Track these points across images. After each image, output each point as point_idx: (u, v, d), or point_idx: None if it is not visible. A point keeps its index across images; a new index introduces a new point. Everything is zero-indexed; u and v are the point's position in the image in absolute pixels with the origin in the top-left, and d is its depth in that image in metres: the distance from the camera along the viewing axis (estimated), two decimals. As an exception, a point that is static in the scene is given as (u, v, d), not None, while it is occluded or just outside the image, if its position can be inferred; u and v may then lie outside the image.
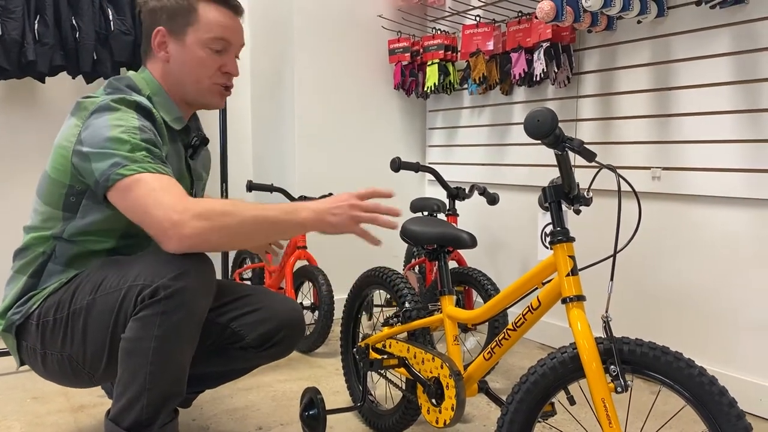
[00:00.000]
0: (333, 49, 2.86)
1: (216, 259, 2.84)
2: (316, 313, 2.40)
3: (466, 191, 2.34)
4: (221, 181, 2.72)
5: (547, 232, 1.21)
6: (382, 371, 1.60)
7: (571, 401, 1.16)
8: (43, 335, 1.31)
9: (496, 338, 1.33)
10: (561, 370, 1.14)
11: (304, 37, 2.79)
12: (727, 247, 1.94)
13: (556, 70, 2.31)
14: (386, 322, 1.66)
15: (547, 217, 1.21)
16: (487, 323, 2.04)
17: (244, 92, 3.13)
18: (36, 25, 2.20)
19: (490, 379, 2.14)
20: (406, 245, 2.90)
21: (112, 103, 1.26)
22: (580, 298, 1.15)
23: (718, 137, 1.93)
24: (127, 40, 2.35)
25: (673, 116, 2.05)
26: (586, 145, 1.12)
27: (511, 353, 2.43)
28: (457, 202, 2.38)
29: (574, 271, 1.16)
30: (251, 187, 2.55)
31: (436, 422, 1.43)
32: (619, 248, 1.13)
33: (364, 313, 1.91)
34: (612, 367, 1.08)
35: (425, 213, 2.55)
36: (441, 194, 2.93)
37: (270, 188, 2.55)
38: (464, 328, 2.27)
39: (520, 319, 1.28)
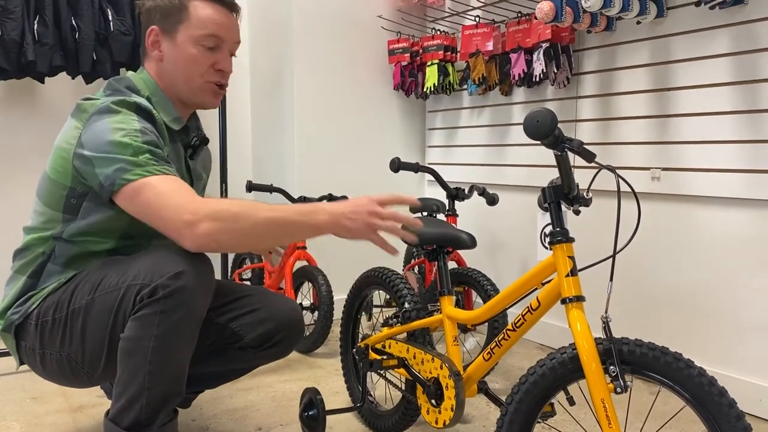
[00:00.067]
0: (332, 50, 2.86)
1: (215, 259, 2.84)
2: (316, 313, 2.40)
3: (466, 192, 2.34)
4: (221, 181, 2.72)
5: (547, 233, 1.21)
6: (382, 372, 1.60)
7: (571, 402, 1.16)
8: (42, 335, 1.31)
9: (496, 339, 1.33)
10: (560, 371, 1.13)
11: (304, 37, 2.79)
12: (726, 248, 1.94)
13: (555, 71, 2.31)
14: (386, 323, 1.66)
15: (547, 218, 1.21)
16: (486, 324, 2.04)
17: (243, 92, 3.13)
18: (35, 26, 2.20)
19: (490, 380, 2.14)
20: (405, 245, 2.91)
21: (112, 106, 1.26)
22: (579, 298, 1.15)
23: (717, 138, 1.93)
24: (127, 40, 2.35)
25: (672, 117, 2.05)
26: (585, 146, 1.12)
27: (511, 354, 2.43)
28: (456, 202, 2.38)
29: (573, 272, 1.16)
30: (251, 187, 2.55)
31: (436, 423, 1.43)
32: (618, 249, 1.13)
33: (363, 313, 1.91)
34: (611, 367, 1.07)
35: (425, 213, 2.55)
36: (440, 195, 2.93)
37: (270, 188, 2.55)
38: (464, 328, 2.27)
39: (520, 319, 1.28)
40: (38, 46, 2.20)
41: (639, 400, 1.95)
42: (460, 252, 2.49)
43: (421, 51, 2.86)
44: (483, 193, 2.31)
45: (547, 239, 1.20)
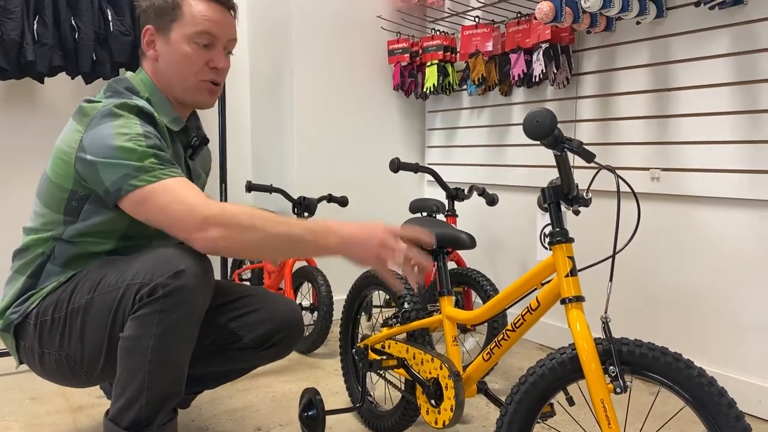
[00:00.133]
0: (332, 50, 2.86)
1: (215, 259, 2.84)
2: (315, 313, 2.40)
3: (466, 192, 2.34)
4: (220, 181, 2.72)
5: (546, 233, 1.21)
6: (381, 372, 1.60)
7: (570, 402, 1.16)
8: (41, 334, 1.31)
9: (495, 339, 1.33)
10: (560, 371, 1.13)
11: (304, 37, 2.79)
12: (726, 248, 1.94)
13: (555, 71, 2.31)
14: (385, 323, 1.66)
15: (546, 218, 1.21)
16: (486, 324, 2.04)
17: (243, 92, 3.13)
18: (35, 26, 2.20)
19: (489, 380, 2.14)
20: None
21: (114, 109, 1.26)
22: (579, 298, 1.15)
23: (717, 138, 1.93)
24: (126, 40, 2.35)
25: (672, 117, 2.05)
26: (585, 146, 1.12)
27: (510, 354, 2.43)
28: (456, 202, 2.38)
29: (573, 272, 1.16)
30: (250, 187, 2.55)
31: (435, 423, 1.42)
32: (618, 249, 1.13)
33: (363, 313, 1.91)
34: (611, 367, 1.07)
35: (424, 214, 2.55)
36: (440, 195, 2.93)
37: (269, 189, 2.54)
38: (463, 328, 2.27)
39: (519, 319, 1.28)
40: (38, 46, 2.20)
41: (639, 400, 1.95)
42: (460, 252, 2.49)
43: (420, 51, 2.86)
44: (482, 193, 2.31)
45: (547, 239, 1.20)
